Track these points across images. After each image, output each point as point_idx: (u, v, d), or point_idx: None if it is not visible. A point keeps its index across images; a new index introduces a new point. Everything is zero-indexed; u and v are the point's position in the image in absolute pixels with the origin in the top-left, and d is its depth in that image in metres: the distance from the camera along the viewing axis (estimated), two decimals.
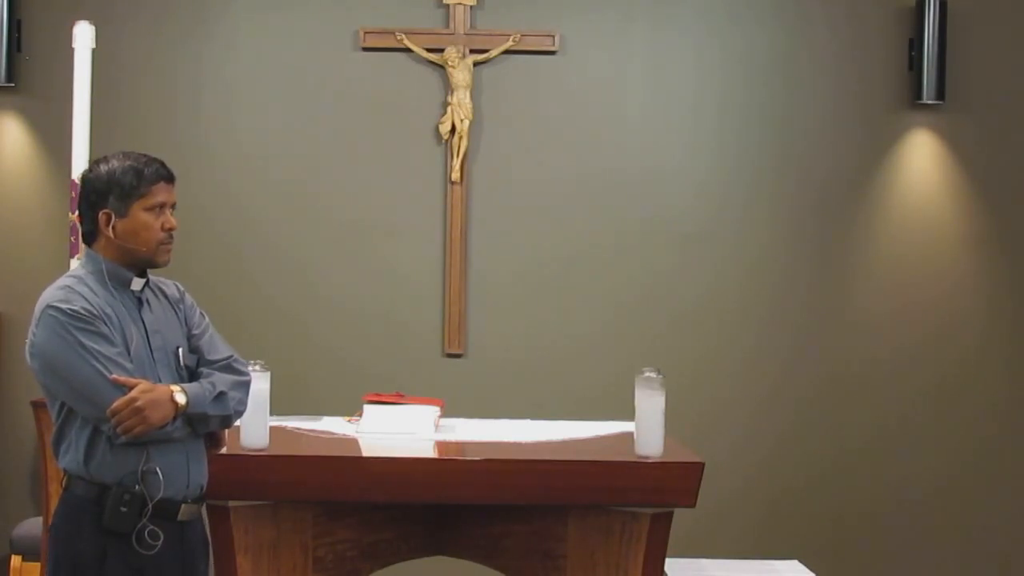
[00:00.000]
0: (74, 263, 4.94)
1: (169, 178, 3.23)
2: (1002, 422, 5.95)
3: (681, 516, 3.81)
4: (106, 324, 3.10)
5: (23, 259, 5.86)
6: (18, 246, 5.89)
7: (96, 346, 3.06)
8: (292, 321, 5.88)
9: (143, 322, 3.20)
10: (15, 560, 5.42)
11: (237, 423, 3.39)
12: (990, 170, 5.96)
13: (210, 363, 3.27)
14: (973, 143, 5.95)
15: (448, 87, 5.85)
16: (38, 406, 4.92)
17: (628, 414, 3.90)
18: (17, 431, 5.81)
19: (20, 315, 5.71)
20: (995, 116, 5.95)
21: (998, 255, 5.96)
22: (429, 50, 5.87)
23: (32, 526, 5.47)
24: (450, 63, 5.81)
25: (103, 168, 3.20)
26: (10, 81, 5.82)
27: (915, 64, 5.86)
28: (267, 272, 5.89)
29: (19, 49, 5.85)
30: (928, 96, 5.83)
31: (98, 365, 3.05)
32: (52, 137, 5.78)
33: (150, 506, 3.10)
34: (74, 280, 3.17)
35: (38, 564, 5.23)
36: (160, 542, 3.11)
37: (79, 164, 5.00)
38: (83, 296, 3.11)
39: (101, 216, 3.18)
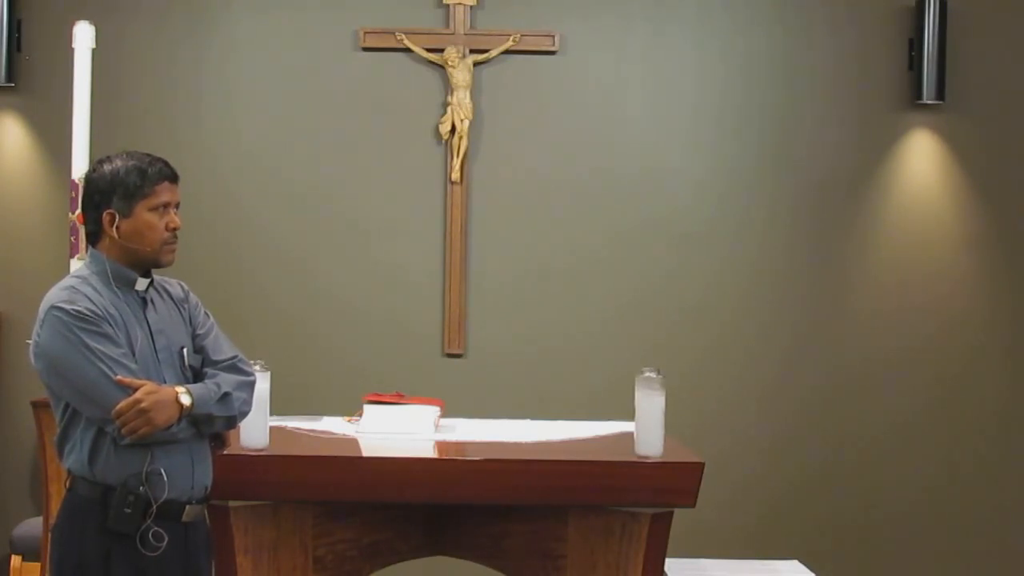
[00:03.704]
0: (74, 263, 4.95)
1: (173, 178, 3.23)
2: (1002, 422, 5.95)
3: (681, 516, 3.80)
4: (110, 325, 3.10)
5: (23, 259, 5.86)
6: (18, 246, 5.89)
7: (100, 347, 3.06)
8: (292, 321, 5.88)
9: (147, 322, 3.20)
10: (15, 560, 5.42)
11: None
12: (990, 170, 5.96)
13: (215, 363, 3.27)
14: (973, 143, 5.95)
15: (448, 87, 5.85)
16: (38, 406, 4.92)
17: (628, 414, 3.90)
18: (17, 431, 5.81)
19: (20, 315, 5.71)
20: (995, 116, 5.95)
21: (998, 255, 5.97)
22: (429, 50, 5.87)
23: (32, 526, 5.47)
24: (450, 63, 5.81)
25: (107, 168, 3.19)
26: (10, 81, 5.82)
27: (915, 64, 5.87)
28: (267, 272, 5.89)
29: (19, 49, 5.85)
30: (928, 96, 5.83)
31: (102, 366, 3.05)
32: (52, 137, 5.78)
33: (154, 507, 3.10)
34: (78, 280, 3.17)
35: (38, 564, 5.24)
36: (164, 543, 3.11)
37: (79, 164, 5.00)
38: (87, 296, 3.11)
39: (105, 216, 3.17)
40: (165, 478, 3.11)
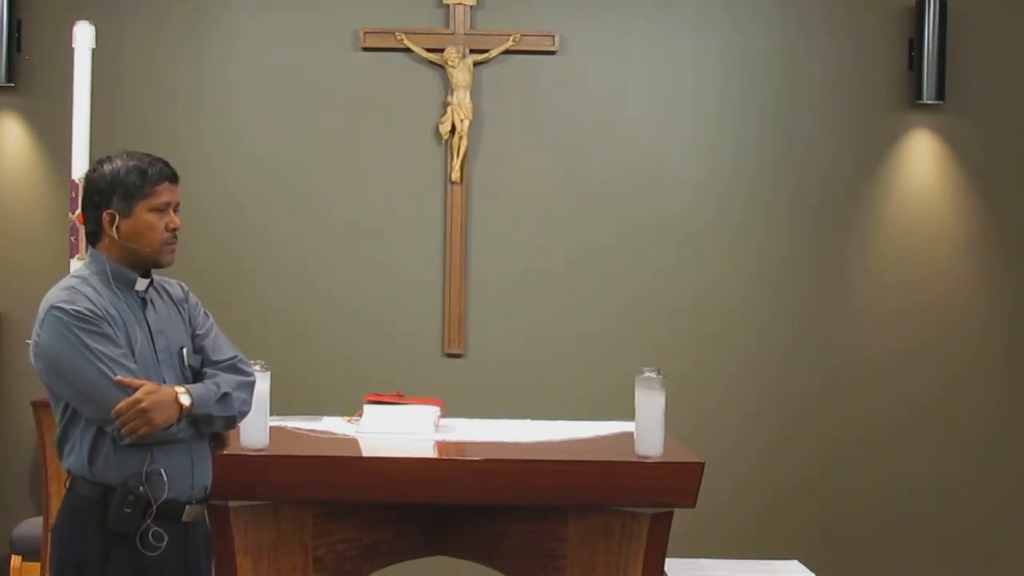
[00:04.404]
0: (74, 263, 4.95)
1: (173, 178, 3.22)
2: (1001, 422, 5.95)
3: (681, 516, 3.80)
4: (110, 325, 3.10)
5: (23, 259, 5.86)
6: (18, 246, 5.89)
7: (100, 347, 3.06)
8: (292, 321, 5.88)
9: (147, 323, 3.20)
10: (15, 560, 5.42)
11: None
12: (990, 170, 5.96)
13: (214, 363, 3.26)
14: (973, 143, 5.95)
15: (448, 87, 5.85)
16: (38, 406, 4.92)
17: (628, 414, 3.90)
18: (17, 431, 5.81)
19: (20, 315, 5.71)
20: (995, 116, 5.95)
21: (998, 255, 5.97)
22: (429, 50, 5.87)
23: (32, 526, 5.47)
24: (450, 63, 5.81)
25: (107, 168, 3.19)
26: (10, 81, 5.82)
27: (915, 64, 5.87)
28: (267, 272, 5.89)
29: (19, 49, 5.85)
30: (928, 96, 5.83)
31: (102, 366, 3.05)
32: (52, 137, 5.78)
33: (154, 507, 3.10)
34: (78, 280, 3.16)
35: (38, 564, 5.24)
36: (164, 543, 3.11)
37: (79, 164, 5.00)
38: (87, 297, 3.11)
39: (105, 216, 3.17)
40: (165, 478, 3.11)
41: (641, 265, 5.92)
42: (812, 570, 4.79)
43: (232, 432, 3.43)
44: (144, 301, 3.22)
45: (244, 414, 3.30)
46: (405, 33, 5.87)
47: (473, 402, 5.20)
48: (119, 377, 3.05)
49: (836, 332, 5.94)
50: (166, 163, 3.23)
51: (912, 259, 5.96)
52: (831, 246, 5.95)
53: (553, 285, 5.92)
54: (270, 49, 5.92)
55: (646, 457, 3.78)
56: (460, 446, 4.05)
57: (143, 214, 3.17)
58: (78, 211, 4.36)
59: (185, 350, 3.24)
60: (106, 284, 3.16)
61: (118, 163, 3.19)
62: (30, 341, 3.16)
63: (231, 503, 3.68)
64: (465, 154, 5.85)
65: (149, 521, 3.09)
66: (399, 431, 4.11)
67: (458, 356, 5.90)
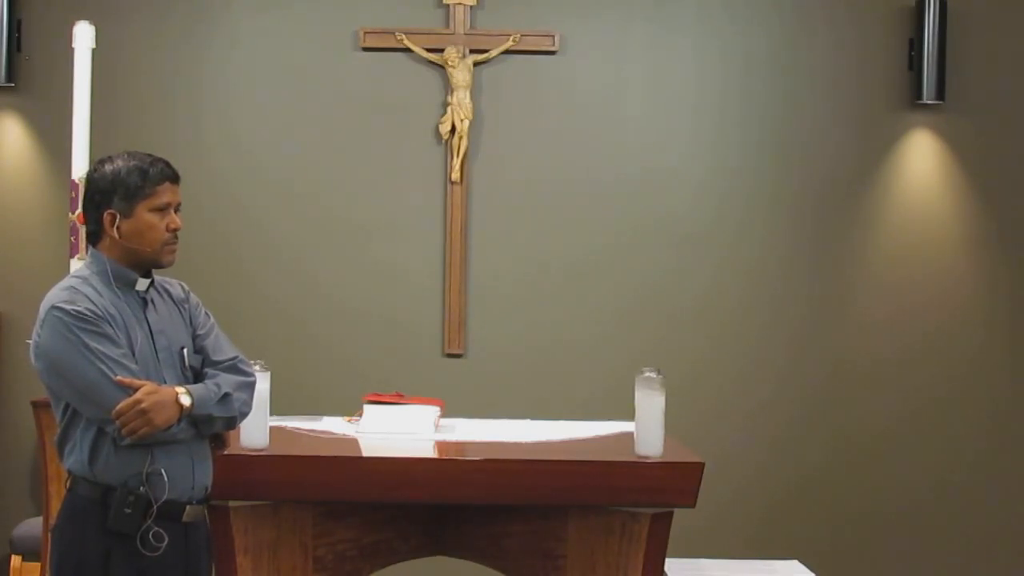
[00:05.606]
0: (74, 263, 4.95)
1: (174, 178, 3.22)
2: (1002, 422, 5.95)
3: (681, 516, 3.81)
4: (111, 325, 3.10)
5: (23, 259, 5.86)
6: (18, 246, 5.89)
7: (100, 347, 3.06)
8: (292, 321, 5.88)
9: (148, 323, 3.19)
10: (15, 560, 5.42)
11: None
12: (990, 170, 5.96)
13: (215, 364, 3.26)
14: (973, 143, 5.95)
15: (448, 87, 5.85)
16: (38, 406, 4.92)
17: (628, 414, 3.90)
18: (17, 431, 5.81)
19: (20, 315, 5.71)
20: (995, 116, 5.95)
21: (998, 255, 5.97)
22: (429, 50, 5.87)
23: (32, 526, 5.47)
24: (450, 63, 5.81)
25: (108, 168, 3.19)
26: (10, 81, 5.82)
27: (915, 64, 5.87)
28: (267, 272, 5.89)
29: (19, 49, 5.85)
30: (928, 96, 5.83)
31: (102, 366, 3.05)
32: (52, 137, 5.78)
33: (154, 507, 3.10)
34: (79, 281, 3.16)
35: (38, 564, 5.24)
36: (164, 544, 3.11)
37: (79, 164, 5.01)
38: (88, 297, 3.11)
39: (106, 216, 3.17)
40: (165, 478, 3.11)
41: (641, 265, 5.92)
42: (812, 570, 4.78)
43: (232, 432, 3.43)
44: (145, 301, 3.22)
45: (245, 414, 3.29)
46: (405, 33, 5.87)
47: (473, 402, 5.20)
48: (119, 377, 3.05)
49: (836, 332, 5.94)
50: (167, 163, 3.23)
51: (912, 259, 5.96)
52: (831, 246, 5.95)
53: (553, 285, 5.92)
54: (270, 49, 5.92)
55: (646, 457, 3.78)
56: (460, 446, 4.05)
57: (144, 214, 3.17)
58: (78, 211, 4.36)
59: (186, 350, 3.24)
60: (107, 284, 3.16)
61: (119, 163, 3.19)
62: (30, 341, 3.16)
63: (231, 503, 3.68)
64: (465, 154, 5.85)
65: (149, 521, 3.09)
66: (399, 431, 4.11)
67: (458, 356, 5.90)
